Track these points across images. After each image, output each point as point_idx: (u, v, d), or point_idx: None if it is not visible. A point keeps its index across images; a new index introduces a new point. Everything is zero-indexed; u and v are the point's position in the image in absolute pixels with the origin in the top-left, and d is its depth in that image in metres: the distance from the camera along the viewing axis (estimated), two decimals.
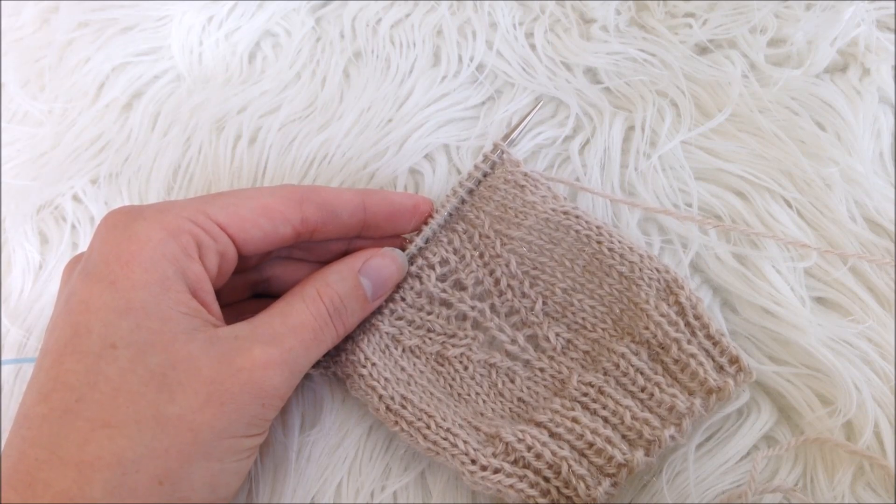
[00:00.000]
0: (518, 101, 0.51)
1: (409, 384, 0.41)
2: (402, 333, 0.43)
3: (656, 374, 0.40)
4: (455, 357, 0.42)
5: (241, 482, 0.37)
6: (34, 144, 0.55)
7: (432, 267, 0.43)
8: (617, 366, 0.40)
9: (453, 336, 0.43)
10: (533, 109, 0.48)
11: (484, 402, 0.42)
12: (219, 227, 0.37)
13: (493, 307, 0.43)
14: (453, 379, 0.42)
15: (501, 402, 0.42)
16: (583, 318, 0.42)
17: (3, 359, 0.47)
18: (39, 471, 0.31)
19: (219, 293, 0.38)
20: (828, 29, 0.50)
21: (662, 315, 0.40)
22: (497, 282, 0.43)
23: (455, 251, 0.44)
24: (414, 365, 0.42)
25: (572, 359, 0.42)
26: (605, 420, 0.39)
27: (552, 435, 0.39)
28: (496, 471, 0.38)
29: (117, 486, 0.31)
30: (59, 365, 0.33)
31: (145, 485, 0.32)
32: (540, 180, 0.44)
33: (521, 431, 0.38)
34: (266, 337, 0.36)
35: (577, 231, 0.42)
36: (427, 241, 0.44)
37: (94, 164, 0.53)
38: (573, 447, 0.38)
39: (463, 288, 0.44)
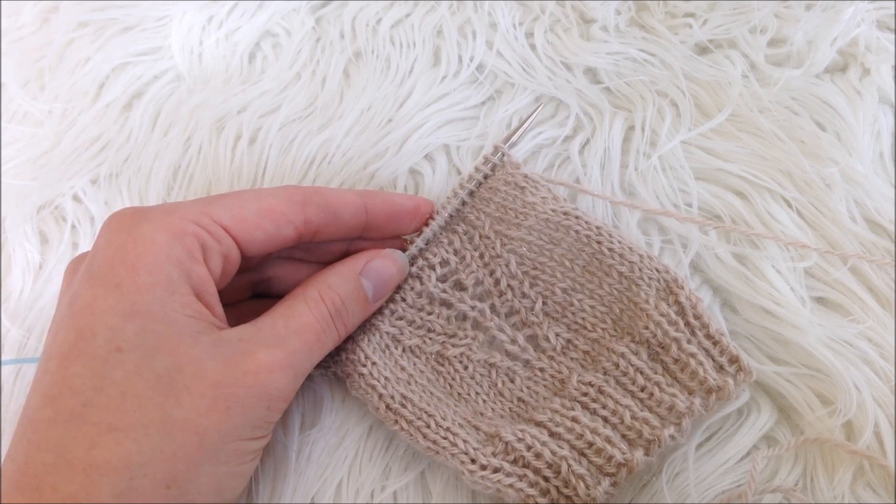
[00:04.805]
0: (518, 101, 0.51)
1: (409, 383, 0.41)
2: (402, 333, 0.43)
3: (656, 373, 0.40)
4: (455, 357, 0.42)
5: (245, 484, 0.37)
6: (34, 144, 0.55)
7: (433, 268, 0.43)
8: (617, 365, 0.40)
9: (453, 336, 0.43)
10: (533, 112, 0.48)
11: (484, 401, 0.42)
12: (222, 228, 0.37)
13: (493, 307, 0.43)
14: (453, 378, 0.42)
15: (501, 401, 0.42)
16: (583, 318, 0.42)
17: (3, 359, 0.47)
18: (47, 474, 0.31)
19: (220, 293, 0.38)
20: (828, 29, 0.50)
21: (662, 315, 0.40)
22: (497, 282, 0.43)
23: (455, 252, 0.44)
24: (414, 364, 0.42)
25: (572, 358, 0.42)
26: (605, 419, 0.39)
27: (552, 434, 0.39)
28: (496, 470, 0.38)
29: (125, 490, 0.31)
30: (64, 369, 0.33)
31: (153, 489, 0.32)
32: (540, 182, 0.44)
33: (521, 431, 0.38)
34: (270, 340, 0.35)
35: (576, 231, 0.42)
36: (428, 243, 0.44)
37: (94, 164, 0.53)
38: (573, 447, 0.38)
39: (463, 288, 0.44)
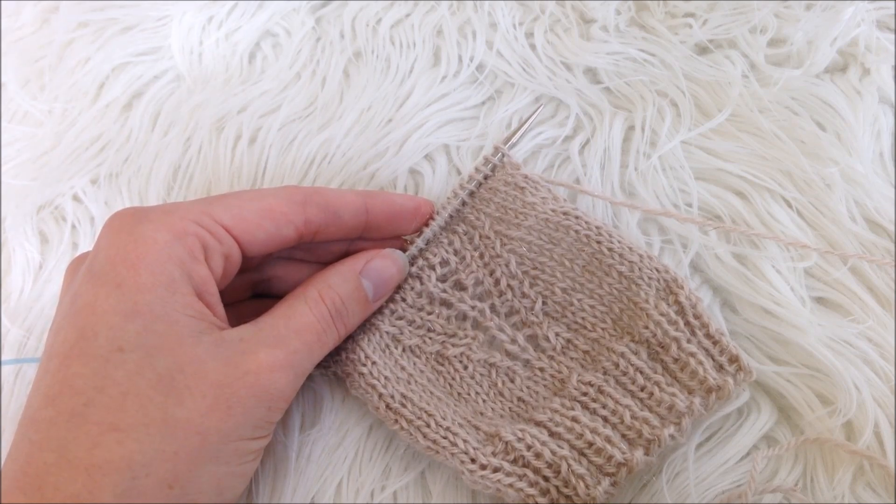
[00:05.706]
0: (518, 101, 0.51)
1: (409, 383, 0.41)
2: (402, 333, 0.43)
3: (656, 373, 0.40)
4: (455, 356, 0.42)
5: (246, 484, 0.37)
6: (34, 144, 0.55)
7: (433, 268, 0.43)
8: (616, 365, 0.40)
9: (453, 336, 0.43)
10: (533, 113, 0.48)
11: (484, 401, 0.42)
12: (224, 228, 0.37)
13: (493, 307, 0.43)
14: (453, 378, 0.42)
15: (501, 401, 0.42)
16: (582, 318, 0.42)
17: (3, 359, 0.47)
18: (49, 474, 0.31)
19: (220, 293, 0.38)
20: (828, 29, 0.50)
21: (662, 314, 0.40)
22: (497, 282, 0.43)
23: (455, 252, 0.44)
24: (414, 364, 0.42)
25: (572, 358, 0.42)
26: (605, 419, 0.39)
27: (552, 434, 0.39)
28: (496, 470, 0.38)
29: (127, 489, 0.31)
30: (65, 368, 0.33)
31: (155, 488, 0.32)
32: (540, 182, 0.44)
33: (521, 430, 0.38)
34: (271, 340, 0.36)
35: (576, 231, 0.42)
36: (428, 243, 0.44)
37: (94, 164, 0.53)
38: (573, 446, 0.38)
39: (463, 288, 0.44)
